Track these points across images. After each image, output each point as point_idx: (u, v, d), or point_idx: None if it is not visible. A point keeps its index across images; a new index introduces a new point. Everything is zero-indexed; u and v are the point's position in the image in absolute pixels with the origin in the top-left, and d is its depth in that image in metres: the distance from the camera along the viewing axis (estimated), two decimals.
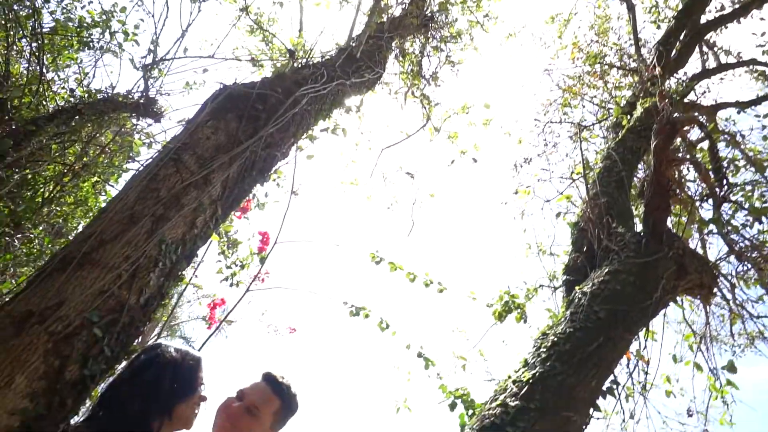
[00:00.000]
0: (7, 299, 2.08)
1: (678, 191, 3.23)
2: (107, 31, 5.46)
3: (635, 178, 4.58)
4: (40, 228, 5.75)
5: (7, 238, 5.09)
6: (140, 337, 2.40)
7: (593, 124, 6.44)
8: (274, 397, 2.49)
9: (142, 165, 2.55)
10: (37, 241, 5.68)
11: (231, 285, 5.11)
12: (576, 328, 2.45)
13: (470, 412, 3.40)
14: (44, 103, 5.25)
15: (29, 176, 5.33)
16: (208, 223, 2.48)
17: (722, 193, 3.30)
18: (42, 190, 5.38)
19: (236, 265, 5.20)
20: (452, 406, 4.29)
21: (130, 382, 1.82)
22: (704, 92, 6.02)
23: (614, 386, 2.59)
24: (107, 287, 1.99)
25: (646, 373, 3.87)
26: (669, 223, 3.18)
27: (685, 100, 5.25)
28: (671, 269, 2.75)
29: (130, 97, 4.89)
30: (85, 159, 5.43)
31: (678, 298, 3.47)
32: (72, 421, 1.90)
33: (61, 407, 1.78)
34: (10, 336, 1.78)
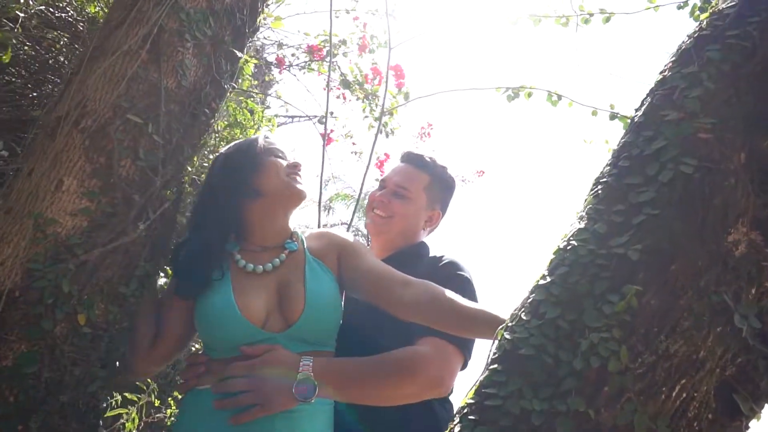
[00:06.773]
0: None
1: None
2: None
3: None
4: None
5: None
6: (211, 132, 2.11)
7: None
8: (419, 171, 2.01)
9: None
10: None
11: (387, 135, 4.90)
12: None
13: None
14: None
15: None
16: None
17: None
18: None
19: (385, 115, 4.96)
20: None
21: (199, 196, 1.72)
22: None
23: None
24: (129, 71, 1.66)
25: None
26: None
27: None
28: None
29: None
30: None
31: None
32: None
33: (128, 204, 1.56)
34: (44, 144, 1.57)
